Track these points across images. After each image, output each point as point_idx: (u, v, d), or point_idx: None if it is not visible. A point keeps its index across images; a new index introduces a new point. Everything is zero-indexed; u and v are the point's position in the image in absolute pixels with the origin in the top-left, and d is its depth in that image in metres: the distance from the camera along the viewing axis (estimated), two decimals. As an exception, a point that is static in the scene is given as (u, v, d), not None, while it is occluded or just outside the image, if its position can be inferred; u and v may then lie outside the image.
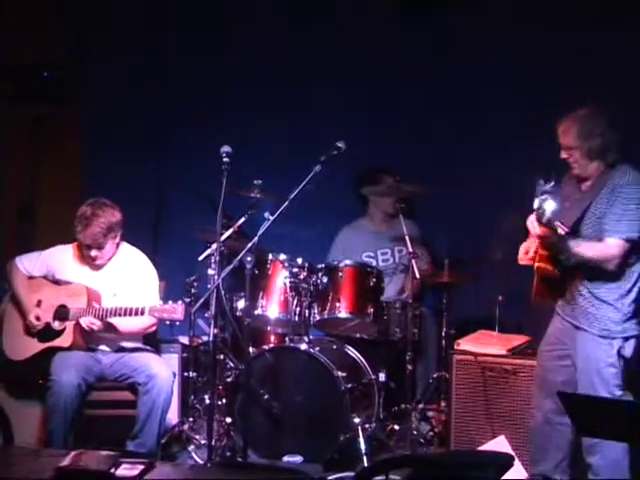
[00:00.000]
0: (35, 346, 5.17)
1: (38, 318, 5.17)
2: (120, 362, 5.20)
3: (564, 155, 4.50)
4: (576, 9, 5.82)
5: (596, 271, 4.41)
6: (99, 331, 5.12)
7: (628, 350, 4.44)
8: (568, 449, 4.64)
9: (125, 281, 5.27)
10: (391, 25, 6.24)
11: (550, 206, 4.22)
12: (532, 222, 4.44)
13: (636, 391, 4.51)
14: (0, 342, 5.27)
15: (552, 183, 4.27)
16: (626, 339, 4.44)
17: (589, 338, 4.46)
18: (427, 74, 6.19)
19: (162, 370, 5.12)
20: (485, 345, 5.40)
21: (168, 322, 5.09)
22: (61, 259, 5.32)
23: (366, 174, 6.12)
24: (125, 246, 5.36)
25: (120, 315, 5.05)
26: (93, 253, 5.18)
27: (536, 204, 4.24)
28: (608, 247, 4.37)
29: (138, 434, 5.05)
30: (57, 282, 5.28)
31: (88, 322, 5.07)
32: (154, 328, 5.30)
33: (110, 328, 5.15)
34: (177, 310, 4.96)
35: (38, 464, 3.85)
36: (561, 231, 4.42)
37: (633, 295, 4.43)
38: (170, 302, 4.99)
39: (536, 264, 4.52)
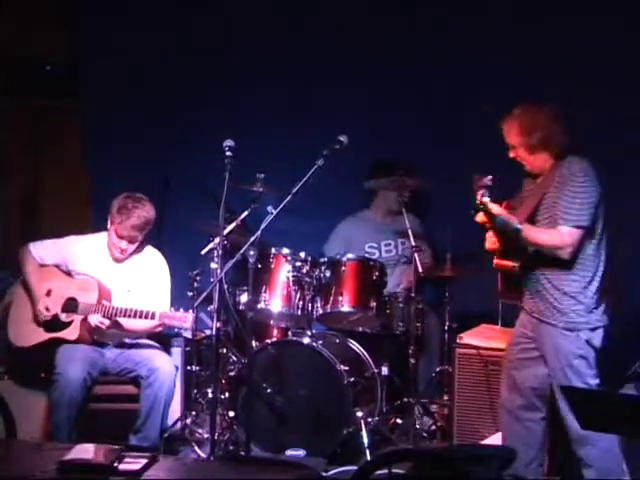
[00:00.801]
0: (41, 335, 5.17)
1: (47, 308, 5.16)
2: (123, 356, 5.21)
3: (512, 154, 4.60)
4: (575, 9, 5.84)
5: (555, 264, 4.46)
6: (107, 329, 5.13)
7: (596, 340, 4.47)
8: (539, 448, 4.67)
9: (141, 280, 5.28)
10: (390, 25, 6.24)
11: (487, 199, 4.40)
12: (481, 219, 4.55)
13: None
14: (6, 328, 5.27)
15: (489, 177, 4.42)
16: (593, 329, 4.47)
17: (555, 332, 4.49)
18: (427, 73, 6.19)
19: (165, 364, 5.13)
20: (487, 339, 5.41)
21: (176, 329, 5.12)
22: (77, 249, 5.32)
23: (380, 166, 6.11)
24: (149, 247, 5.39)
25: (130, 316, 5.06)
26: (124, 245, 5.19)
27: (478, 199, 4.42)
28: (559, 234, 4.42)
29: (141, 428, 5.07)
30: (68, 273, 5.28)
31: (97, 321, 5.07)
32: (160, 329, 5.31)
33: (117, 326, 5.15)
34: (187, 319, 4.97)
35: (41, 458, 3.83)
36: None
37: (595, 286, 4.47)
38: (181, 310, 5.00)
39: (495, 261, 4.59)
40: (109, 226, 5.22)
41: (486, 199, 4.43)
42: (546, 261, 4.48)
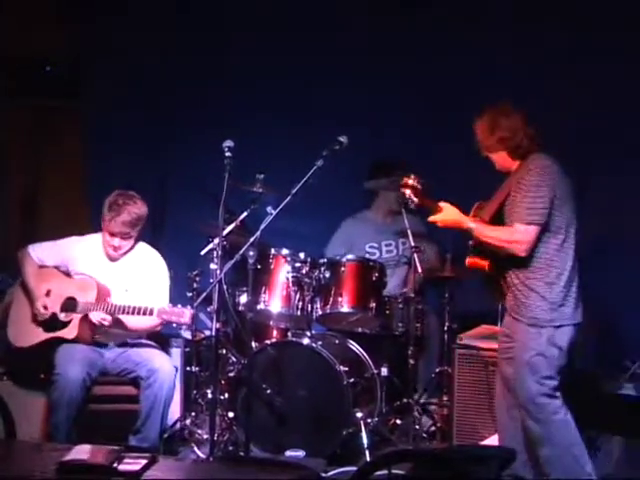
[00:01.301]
0: (40, 335, 5.17)
1: (45, 307, 5.16)
2: (123, 356, 5.21)
3: (483, 153, 4.71)
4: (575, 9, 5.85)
5: (523, 261, 4.49)
6: (109, 327, 5.12)
7: (561, 339, 4.44)
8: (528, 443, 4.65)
9: (138, 278, 5.28)
10: (390, 25, 6.25)
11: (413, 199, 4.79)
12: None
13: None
14: (5, 329, 5.26)
15: (412, 176, 4.79)
16: (557, 327, 4.44)
17: (521, 327, 4.52)
18: (427, 73, 6.20)
19: (164, 364, 5.12)
20: (487, 340, 5.40)
21: (175, 325, 5.11)
22: (76, 250, 5.32)
23: (380, 166, 6.11)
24: (142, 244, 5.39)
25: (128, 313, 5.05)
26: (117, 242, 5.19)
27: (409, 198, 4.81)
28: (511, 232, 4.48)
29: (140, 428, 5.06)
30: (68, 274, 5.28)
31: (99, 318, 5.07)
32: (160, 327, 5.31)
33: (118, 324, 5.15)
34: (185, 314, 4.95)
35: (40, 458, 3.84)
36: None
37: (562, 283, 4.46)
38: (179, 305, 4.99)
39: (467, 259, 4.66)
40: (102, 225, 5.22)
41: (411, 198, 4.78)
42: (515, 259, 4.51)
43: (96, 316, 5.07)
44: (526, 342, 4.48)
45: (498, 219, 4.58)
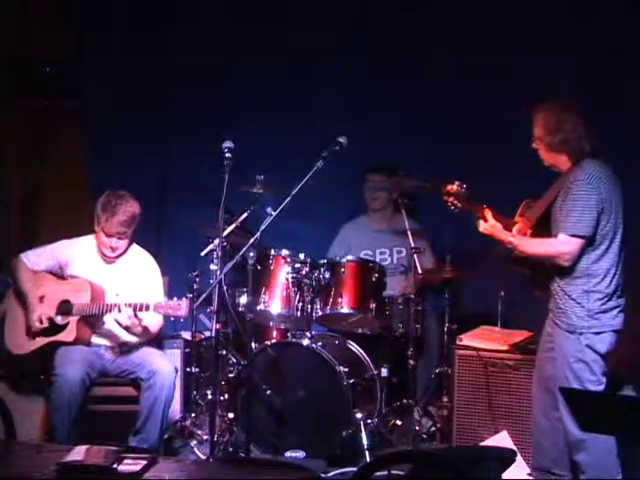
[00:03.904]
0: (38, 340, 5.15)
1: (41, 320, 5.11)
2: (122, 357, 5.20)
3: (534, 145, 4.57)
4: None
5: (562, 267, 4.43)
6: (135, 327, 5.06)
7: (601, 345, 4.40)
8: (566, 445, 4.62)
9: (130, 282, 5.24)
10: (390, 25, 6.25)
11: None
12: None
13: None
14: (2, 336, 5.26)
15: (456, 182, 4.75)
16: (596, 334, 4.40)
17: (560, 333, 4.49)
18: (428, 73, 6.20)
19: (164, 365, 5.12)
20: (487, 340, 5.41)
21: (172, 318, 5.09)
22: (69, 254, 5.30)
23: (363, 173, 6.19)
24: (135, 247, 5.36)
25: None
26: (114, 243, 5.16)
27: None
28: (555, 244, 4.42)
29: (140, 429, 5.06)
30: (61, 277, 5.27)
31: (126, 316, 4.95)
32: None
33: (144, 330, 5.13)
34: (181, 307, 4.93)
35: (40, 459, 3.84)
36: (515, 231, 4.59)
37: (601, 292, 4.40)
38: (175, 298, 4.97)
39: (512, 266, 4.65)
40: (96, 227, 5.18)
41: (455, 205, 4.73)
42: (556, 266, 4.45)
43: (124, 315, 4.97)
44: (566, 348, 4.44)
45: (545, 221, 4.51)
